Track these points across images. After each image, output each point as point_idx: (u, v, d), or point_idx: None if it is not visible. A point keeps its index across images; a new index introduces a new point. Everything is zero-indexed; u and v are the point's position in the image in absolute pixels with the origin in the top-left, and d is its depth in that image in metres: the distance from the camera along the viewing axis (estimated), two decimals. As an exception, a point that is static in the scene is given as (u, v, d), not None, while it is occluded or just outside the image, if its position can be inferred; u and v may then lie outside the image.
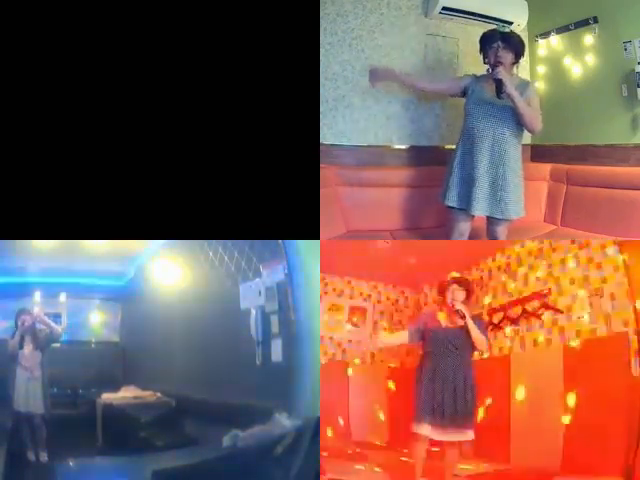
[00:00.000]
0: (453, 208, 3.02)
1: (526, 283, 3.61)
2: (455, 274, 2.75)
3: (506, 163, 2.85)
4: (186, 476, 2.10)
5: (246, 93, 2.40)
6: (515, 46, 2.81)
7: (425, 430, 2.54)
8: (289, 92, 2.40)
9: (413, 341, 2.76)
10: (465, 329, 2.61)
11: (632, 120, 3.23)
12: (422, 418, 2.55)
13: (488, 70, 2.89)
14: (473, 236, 3.19)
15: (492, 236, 3.05)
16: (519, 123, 2.82)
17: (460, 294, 2.67)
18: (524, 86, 2.84)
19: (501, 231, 3.02)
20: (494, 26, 3.06)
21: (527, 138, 3.74)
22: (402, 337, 2.82)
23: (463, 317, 2.59)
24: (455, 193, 2.98)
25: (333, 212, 3.54)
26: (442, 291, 2.73)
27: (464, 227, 3.08)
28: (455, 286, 2.68)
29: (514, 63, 2.86)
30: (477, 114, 2.87)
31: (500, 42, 2.78)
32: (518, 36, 2.89)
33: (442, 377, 2.58)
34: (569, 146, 3.68)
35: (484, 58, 2.89)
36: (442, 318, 2.69)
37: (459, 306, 2.62)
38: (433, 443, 2.64)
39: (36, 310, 3.81)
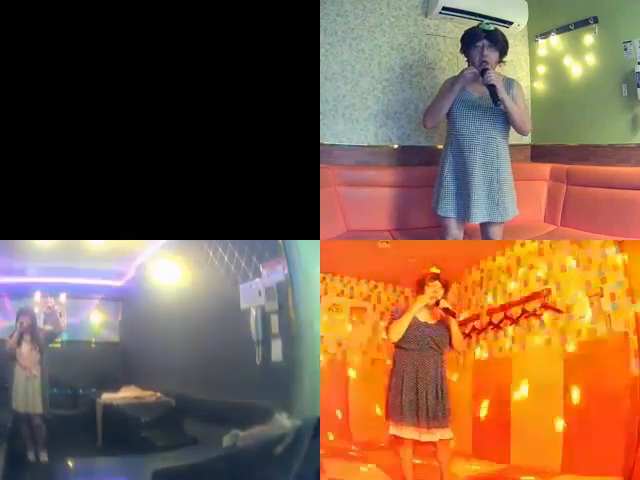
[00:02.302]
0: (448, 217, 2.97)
1: (526, 283, 3.61)
2: (436, 270, 2.64)
3: (499, 167, 2.81)
4: (186, 476, 2.10)
5: (246, 93, 2.40)
6: (500, 45, 2.72)
7: (410, 433, 2.47)
8: (289, 92, 2.40)
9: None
10: (446, 326, 2.56)
11: (632, 120, 3.22)
12: (404, 419, 2.47)
13: None
14: (468, 237, 3.18)
15: (487, 237, 3.02)
16: (507, 124, 2.79)
17: (441, 291, 2.59)
18: (509, 84, 2.77)
19: (496, 232, 2.98)
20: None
21: (527, 138, 3.74)
22: (405, 322, 2.59)
23: (454, 315, 2.55)
24: (451, 204, 2.92)
25: (333, 212, 3.54)
26: (422, 286, 2.62)
27: (458, 233, 3.03)
28: (437, 282, 2.59)
29: (499, 62, 2.78)
30: (464, 118, 2.79)
31: (485, 41, 2.68)
32: (502, 34, 2.80)
33: (424, 375, 2.50)
34: (569, 146, 3.67)
35: (466, 57, 2.80)
36: (423, 314, 2.61)
37: (447, 304, 2.55)
38: (417, 442, 2.55)
39: (50, 301, 3.83)
